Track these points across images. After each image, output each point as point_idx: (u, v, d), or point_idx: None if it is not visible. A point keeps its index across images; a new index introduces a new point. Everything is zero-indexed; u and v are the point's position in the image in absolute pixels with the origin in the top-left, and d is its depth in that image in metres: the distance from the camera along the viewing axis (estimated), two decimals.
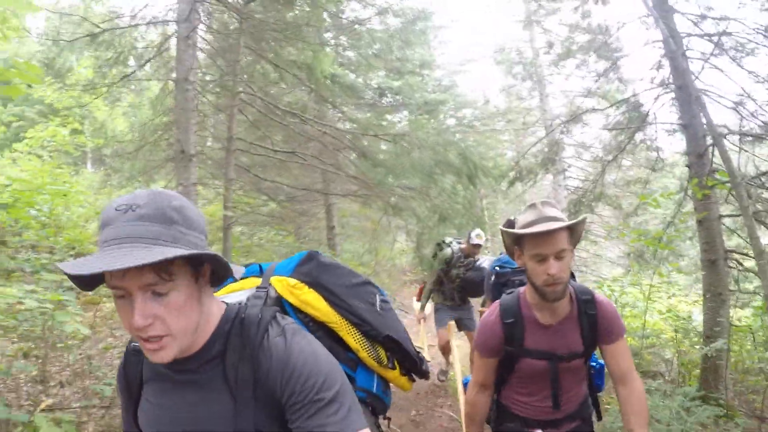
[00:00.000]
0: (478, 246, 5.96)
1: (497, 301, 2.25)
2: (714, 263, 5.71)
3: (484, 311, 5.09)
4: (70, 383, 4.78)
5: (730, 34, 6.85)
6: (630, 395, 2.10)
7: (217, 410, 1.13)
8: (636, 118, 7.50)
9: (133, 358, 1.30)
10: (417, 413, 5.84)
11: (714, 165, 6.07)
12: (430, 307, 6.55)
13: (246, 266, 1.61)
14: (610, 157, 8.15)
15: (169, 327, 1.03)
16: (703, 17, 7.08)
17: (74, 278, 1.03)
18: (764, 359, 5.92)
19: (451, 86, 20.41)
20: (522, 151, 10.71)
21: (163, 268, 1.00)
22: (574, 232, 2.01)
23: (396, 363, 1.63)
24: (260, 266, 1.60)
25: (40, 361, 4.64)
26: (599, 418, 2.44)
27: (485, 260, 5.84)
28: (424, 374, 1.76)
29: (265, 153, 7.59)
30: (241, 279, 1.53)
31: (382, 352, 1.57)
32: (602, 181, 8.05)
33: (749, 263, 5.89)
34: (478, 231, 6.08)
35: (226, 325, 1.18)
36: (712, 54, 6.75)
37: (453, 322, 6.31)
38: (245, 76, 7.32)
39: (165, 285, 1.01)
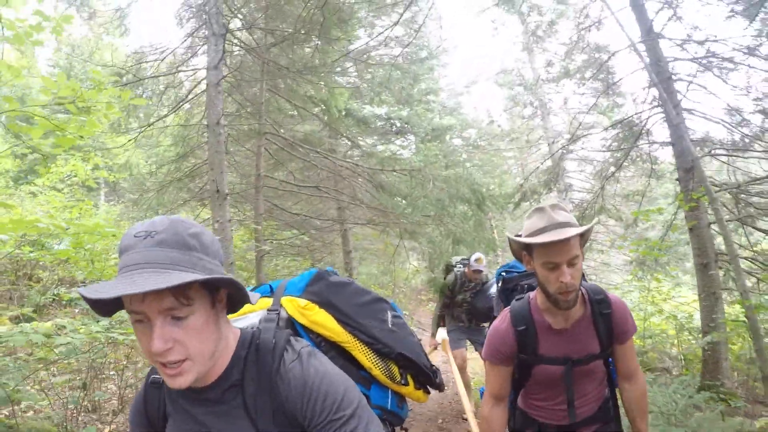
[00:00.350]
0: (479, 271, 5.83)
1: (507, 308, 2.18)
2: (706, 266, 6.22)
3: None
4: (122, 410, 4.99)
5: (713, 54, 7.39)
6: (635, 390, 2.14)
7: None
8: (630, 137, 8.04)
9: (154, 391, 1.31)
10: (443, 421, 6.13)
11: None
12: (443, 332, 6.36)
13: (255, 288, 1.67)
14: (609, 172, 8.68)
15: (189, 351, 1.04)
16: (688, 40, 7.65)
17: (93, 303, 1.04)
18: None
19: (456, 107, 21.06)
20: (526, 172, 11.23)
21: (181, 293, 1.03)
22: (584, 235, 1.93)
23: (410, 378, 1.67)
24: (270, 286, 1.62)
25: (86, 392, 4.79)
26: (618, 422, 2.32)
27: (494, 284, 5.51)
28: (439, 386, 1.80)
29: (290, 189, 8.18)
30: None
31: (395, 369, 1.60)
32: (602, 195, 8.58)
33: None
34: (477, 255, 5.97)
35: (242, 351, 1.19)
36: (695, 75, 7.32)
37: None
38: (268, 118, 7.91)
39: (183, 309, 1.03)
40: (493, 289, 5.24)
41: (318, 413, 1.10)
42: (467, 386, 6.05)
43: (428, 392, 1.76)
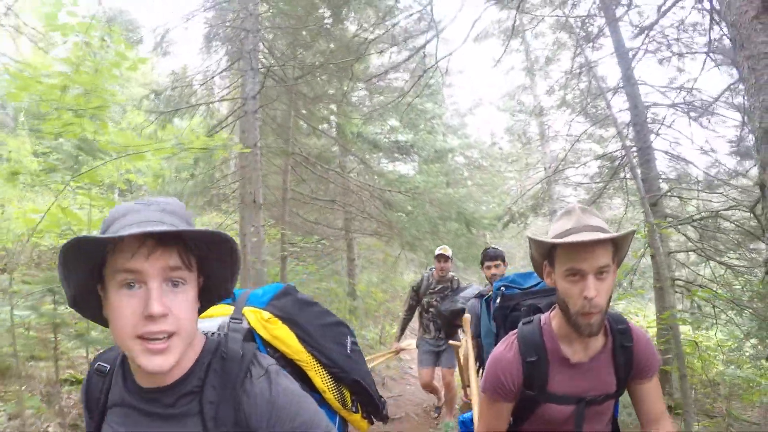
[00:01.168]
0: (443, 257, 5.67)
1: (513, 332, 1.86)
2: (662, 289, 7.29)
3: (455, 345, 4.55)
4: None
5: (690, 104, 8.51)
6: None
7: None
8: (608, 172, 9.15)
9: (96, 378, 1.22)
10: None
11: (667, 210, 7.72)
12: (411, 341, 6.27)
13: None
14: (590, 201, 9.78)
15: (180, 323, 0.99)
16: (668, 85, 8.79)
17: (69, 267, 0.98)
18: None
19: (460, 127, 22.15)
20: (516, 196, 12.30)
21: (188, 253, 1.02)
22: (620, 249, 1.66)
23: (358, 406, 1.66)
24: (234, 293, 1.53)
25: None
26: None
27: (471, 289, 5.18)
28: (384, 419, 1.78)
29: (310, 201, 9.36)
30: None
31: (347, 395, 1.59)
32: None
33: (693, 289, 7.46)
34: (442, 246, 5.90)
35: (205, 358, 1.12)
36: (666, 122, 8.46)
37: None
38: (295, 141, 9.10)
39: (184, 273, 1.00)
40: (469, 291, 4.96)
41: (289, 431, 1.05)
42: (450, 402, 6.02)
43: (372, 423, 1.75)
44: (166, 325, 0.97)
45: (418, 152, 12.28)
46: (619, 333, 1.75)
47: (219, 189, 9.70)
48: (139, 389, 1.08)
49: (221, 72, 8.65)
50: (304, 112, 9.51)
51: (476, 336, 4.27)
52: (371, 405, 1.69)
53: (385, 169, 12.39)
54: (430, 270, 5.99)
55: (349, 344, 1.64)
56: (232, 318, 1.40)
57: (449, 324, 5.09)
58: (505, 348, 1.80)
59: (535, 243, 1.74)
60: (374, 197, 9.35)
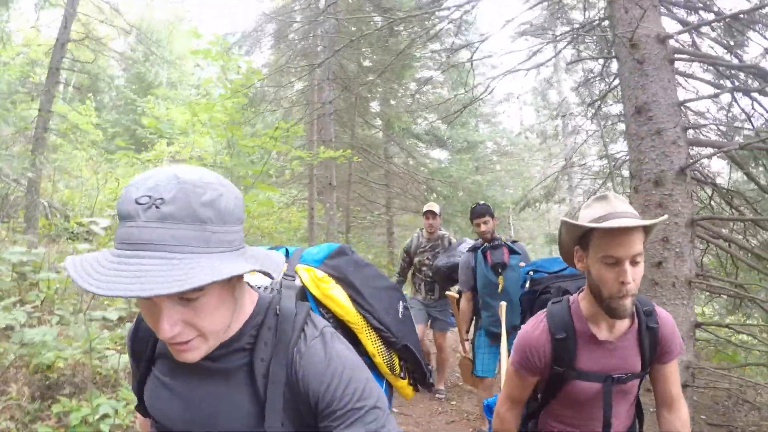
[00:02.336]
0: (431, 213, 5.68)
1: (541, 311, 1.91)
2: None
3: (452, 296, 4.77)
4: None
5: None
6: (676, 420, 1.90)
7: (240, 406, 1.04)
8: (609, 173, 11.09)
9: (145, 326, 1.19)
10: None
11: None
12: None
13: (271, 249, 1.51)
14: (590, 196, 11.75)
15: (200, 330, 0.93)
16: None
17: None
18: None
19: (492, 115, 24.03)
20: (534, 183, 14.36)
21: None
22: (648, 236, 1.69)
23: (406, 372, 1.63)
24: (287, 250, 1.55)
25: None
26: None
27: (465, 244, 5.28)
28: (430, 386, 1.75)
29: (368, 186, 11.74)
30: None
31: (396, 360, 1.55)
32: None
33: None
34: (430, 203, 5.96)
35: (258, 316, 1.09)
36: None
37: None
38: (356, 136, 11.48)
39: (195, 293, 0.90)
40: (463, 246, 5.16)
41: (338, 399, 1.01)
42: (442, 364, 6.05)
43: (417, 390, 1.70)
44: (183, 336, 0.91)
45: (453, 144, 14.52)
46: (645, 315, 1.79)
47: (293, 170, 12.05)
48: None
49: (300, 78, 10.94)
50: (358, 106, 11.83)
51: (469, 289, 4.51)
52: (419, 372, 1.64)
53: (426, 160, 14.87)
54: (420, 230, 5.98)
55: (401, 309, 1.61)
56: (285, 275, 1.30)
57: (446, 279, 5.28)
58: (534, 326, 1.86)
59: (568, 226, 1.73)
60: (417, 182, 11.78)
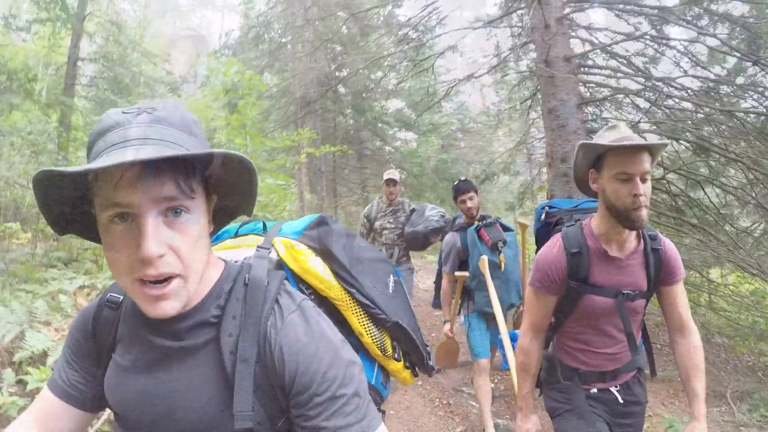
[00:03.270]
0: (392, 181, 5.60)
1: (557, 234, 2.05)
2: None
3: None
4: None
5: None
6: (686, 343, 1.99)
7: (206, 388, 0.93)
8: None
9: (108, 312, 1.08)
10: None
11: None
12: None
13: (245, 223, 1.42)
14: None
15: (183, 262, 0.85)
16: None
17: (47, 204, 0.86)
18: None
19: (455, 94, 25.60)
20: (492, 158, 16.13)
21: (188, 179, 0.85)
22: (654, 160, 1.83)
23: (401, 354, 1.42)
24: (264, 224, 1.40)
25: None
26: (653, 373, 2.19)
27: (433, 210, 5.27)
28: (429, 370, 1.53)
29: (350, 166, 13.62)
30: (240, 236, 1.37)
31: (387, 341, 1.36)
32: (540, 179, 13.35)
33: None
34: (390, 170, 5.91)
35: (225, 284, 0.99)
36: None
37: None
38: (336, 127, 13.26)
39: (185, 201, 0.84)
40: (434, 212, 5.15)
41: (318, 383, 0.90)
42: None
43: (416, 375, 1.52)
44: (167, 266, 0.83)
45: (419, 126, 16.33)
46: (650, 238, 1.96)
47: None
48: (148, 320, 0.92)
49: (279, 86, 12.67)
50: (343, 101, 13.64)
51: (452, 271, 4.29)
52: (415, 353, 1.43)
53: (396, 143, 16.98)
54: (379, 198, 5.90)
55: (391, 283, 1.42)
56: (259, 247, 1.15)
57: (423, 244, 5.20)
58: (551, 246, 2.01)
59: (587, 148, 1.88)
60: (387, 162, 13.78)
